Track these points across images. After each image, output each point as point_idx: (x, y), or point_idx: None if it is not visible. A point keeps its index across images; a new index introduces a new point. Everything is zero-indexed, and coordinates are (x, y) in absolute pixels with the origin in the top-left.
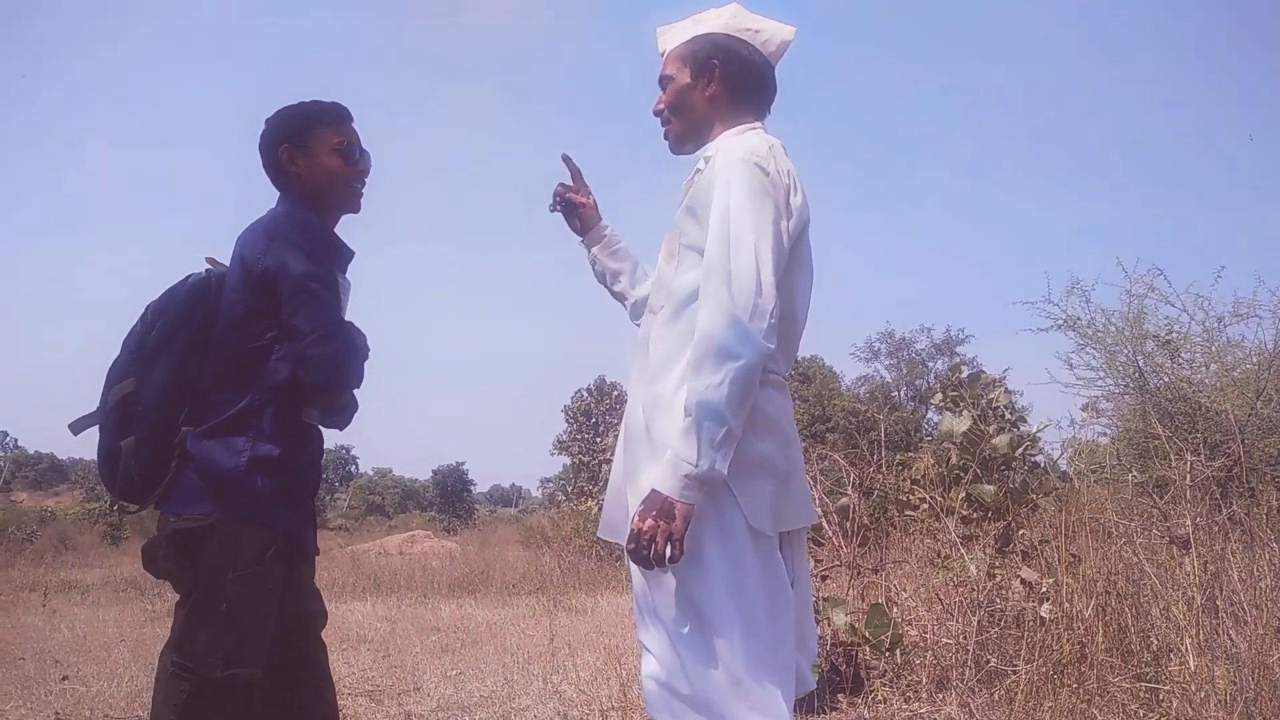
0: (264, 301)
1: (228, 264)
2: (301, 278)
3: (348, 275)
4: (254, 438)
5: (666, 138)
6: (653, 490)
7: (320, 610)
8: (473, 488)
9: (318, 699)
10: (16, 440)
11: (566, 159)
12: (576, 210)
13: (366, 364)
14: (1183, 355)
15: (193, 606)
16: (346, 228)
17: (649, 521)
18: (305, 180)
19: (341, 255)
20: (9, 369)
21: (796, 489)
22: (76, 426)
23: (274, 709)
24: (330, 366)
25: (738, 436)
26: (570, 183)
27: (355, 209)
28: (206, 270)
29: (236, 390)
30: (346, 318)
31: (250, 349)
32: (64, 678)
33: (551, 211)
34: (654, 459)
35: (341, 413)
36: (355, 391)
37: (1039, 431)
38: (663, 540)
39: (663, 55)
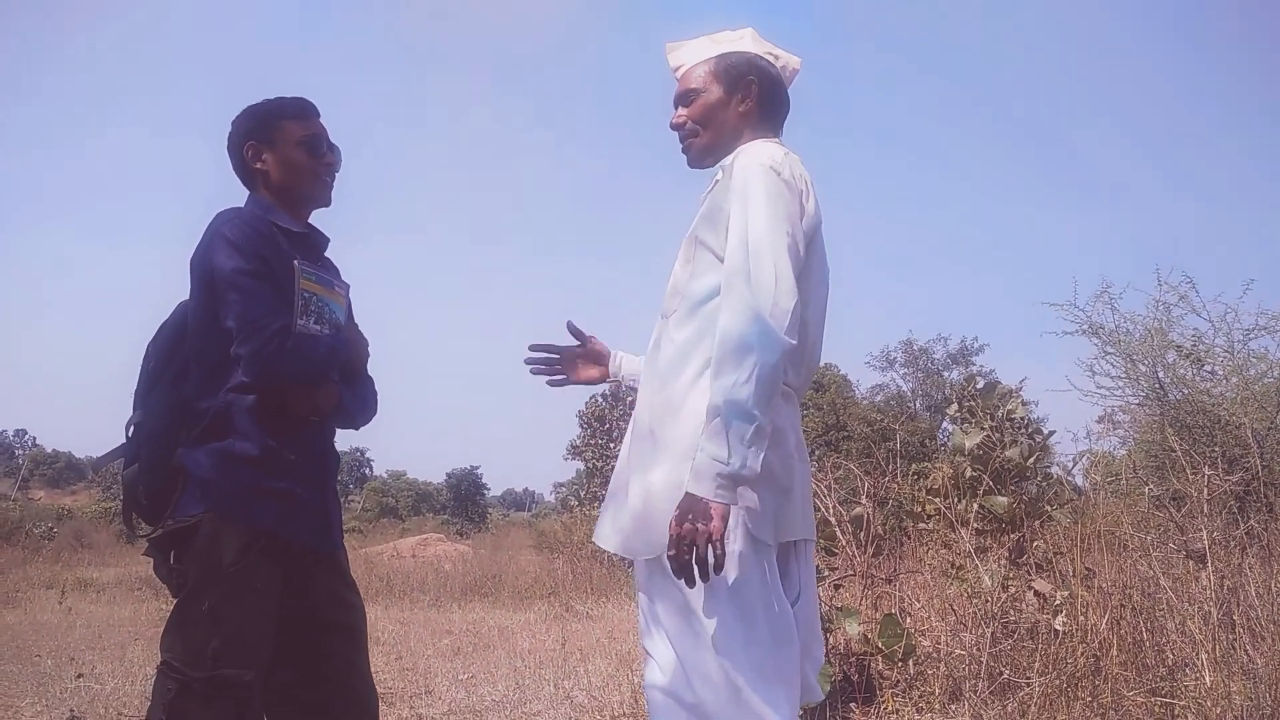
0: (215, 303)
1: None
2: (231, 275)
3: (339, 273)
4: (233, 437)
5: (688, 151)
6: (686, 494)
7: (342, 622)
8: (486, 491)
9: (344, 704)
10: (35, 439)
11: (572, 327)
12: (594, 364)
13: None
14: (1206, 367)
15: (178, 605)
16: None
17: (686, 525)
18: (272, 176)
19: (314, 244)
20: (28, 368)
21: (798, 502)
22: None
23: (299, 711)
24: (256, 364)
25: (768, 433)
26: (578, 346)
27: (325, 202)
28: None
29: (212, 396)
30: (353, 318)
31: (215, 353)
32: (79, 675)
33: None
34: (658, 459)
35: (341, 412)
36: (351, 390)
37: (1046, 439)
38: (703, 543)
39: (677, 71)
